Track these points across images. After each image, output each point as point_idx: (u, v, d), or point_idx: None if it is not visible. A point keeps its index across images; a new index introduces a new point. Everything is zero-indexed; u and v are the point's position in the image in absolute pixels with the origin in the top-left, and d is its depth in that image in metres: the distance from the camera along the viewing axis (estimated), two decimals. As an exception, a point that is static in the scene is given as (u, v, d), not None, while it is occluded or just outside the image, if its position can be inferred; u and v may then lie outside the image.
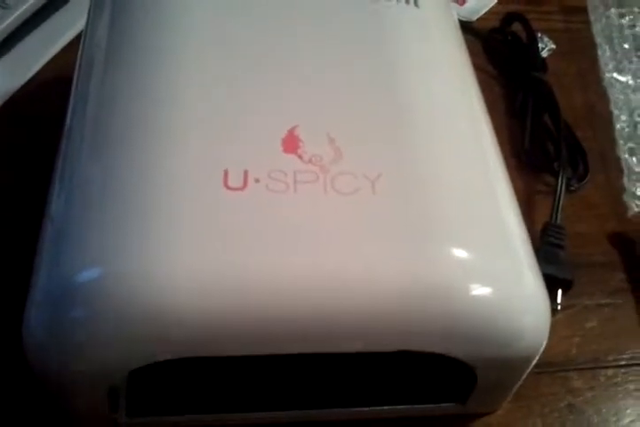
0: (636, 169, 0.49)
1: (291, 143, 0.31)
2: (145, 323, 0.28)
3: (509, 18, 0.55)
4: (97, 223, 0.29)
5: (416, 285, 0.29)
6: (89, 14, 0.41)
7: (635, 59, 0.55)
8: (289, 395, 0.35)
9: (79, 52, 0.39)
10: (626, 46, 0.55)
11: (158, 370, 0.30)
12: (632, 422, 0.38)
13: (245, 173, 0.30)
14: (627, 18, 0.56)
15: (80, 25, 0.50)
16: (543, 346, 0.32)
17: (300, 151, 0.31)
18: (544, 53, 0.55)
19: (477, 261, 0.30)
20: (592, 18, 0.57)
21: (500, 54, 0.54)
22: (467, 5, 0.58)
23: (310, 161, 0.31)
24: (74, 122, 0.35)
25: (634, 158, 0.49)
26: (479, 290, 0.30)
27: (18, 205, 0.43)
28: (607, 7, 0.57)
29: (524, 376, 0.34)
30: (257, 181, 0.30)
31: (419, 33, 0.37)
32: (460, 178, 0.32)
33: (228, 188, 0.29)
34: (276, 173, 0.30)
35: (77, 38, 0.51)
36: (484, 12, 0.57)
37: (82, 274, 0.28)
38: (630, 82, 0.53)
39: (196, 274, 0.28)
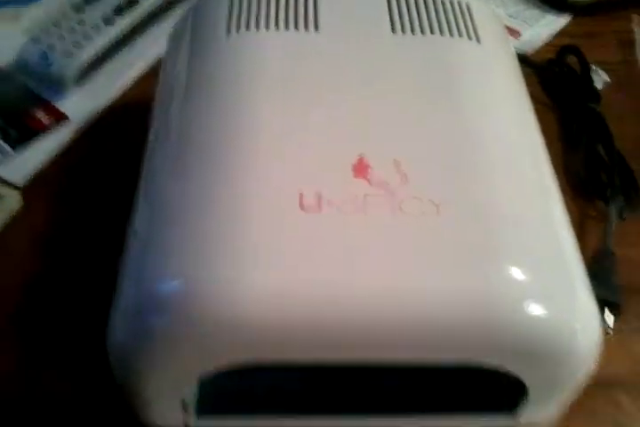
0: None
1: (361, 169, 0.34)
2: (221, 330, 0.31)
3: (565, 50, 0.57)
4: (179, 238, 0.32)
5: (475, 302, 0.31)
6: (168, 47, 0.44)
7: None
8: (346, 401, 0.38)
9: (160, 78, 0.42)
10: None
11: (228, 374, 0.32)
12: (678, 443, 0.40)
13: (319, 195, 0.32)
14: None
15: (157, 50, 0.53)
16: (593, 365, 0.34)
17: (369, 176, 0.34)
18: (598, 85, 0.57)
19: (534, 281, 0.32)
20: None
21: (556, 86, 0.56)
22: (522, 38, 0.60)
23: (379, 185, 0.33)
24: (157, 144, 0.38)
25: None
26: (535, 308, 0.32)
27: (100, 222, 0.47)
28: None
29: (575, 393, 0.36)
30: (330, 203, 0.32)
31: (481, 67, 0.40)
32: (519, 203, 0.34)
33: (304, 209, 0.32)
34: (347, 195, 0.33)
35: (157, 64, 0.55)
36: (539, 45, 0.59)
37: (164, 285, 0.31)
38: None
39: (270, 286, 0.30)
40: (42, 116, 0.51)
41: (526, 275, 0.32)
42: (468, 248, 0.32)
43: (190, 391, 0.35)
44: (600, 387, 0.40)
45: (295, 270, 0.31)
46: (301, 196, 0.33)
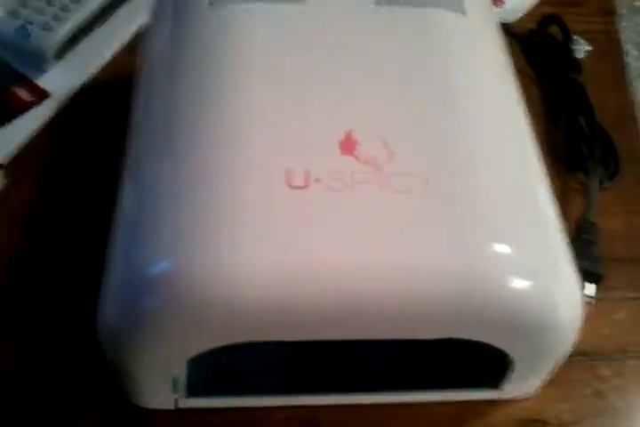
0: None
1: (348, 145, 0.34)
2: (212, 310, 0.31)
3: (546, 20, 0.57)
4: (167, 218, 0.32)
5: (460, 277, 0.32)
6: (152, 14, 0.43)
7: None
8: (335, 379, 0.38)
9: (143, 52, 0.42)
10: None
11: (216, 354, 0.33)
12: (655, 408, 0.41)
13: (307, 172, 0.32)
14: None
15: (138, 23, 0.52)
16: (576, 337, 0.35)
17: (356, 153, 0.34)
18: (580, 55, 0.57)
19: (517, 256, 0.32)
20: (621, 25, 0.58)
21: (537, 56, 0.56)
22: (505, 7, 0.59)
23: (366, 162, 0.33)
24: (141, 122, 0.38)
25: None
26: (518, 282, 0.32)
27: (85, 201, 0.46)
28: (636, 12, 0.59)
29: (558, 364, 0.37)
30: (317, 180, 0.32)
31: (465, 40, 0.40)
32: (504, 178, 0.35)
33: (292, 186, 0.32)
34: (334, 173, 0.33)
35: (138, 36, 0.54)
36: (521, 13, 0.59)
37: (153, 265, 0.31)
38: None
39: (260, 266, 0.30)
40: (23, 93, 0.50)
41: (509, 249, 0.32)
42: (453, 224, 0.32)
43: (180, 372, 0.35)
44: (580, 356, 0.42)
45: (285, 250, 0.31)
46: (289, 173, 0.32)
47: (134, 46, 0.42)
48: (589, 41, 0.58)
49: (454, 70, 0.38)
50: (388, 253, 0.31)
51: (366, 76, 0.37)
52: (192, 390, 0.37)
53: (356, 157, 0.33)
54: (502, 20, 0.58)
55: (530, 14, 0.60)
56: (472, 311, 0.32)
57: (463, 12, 0.41)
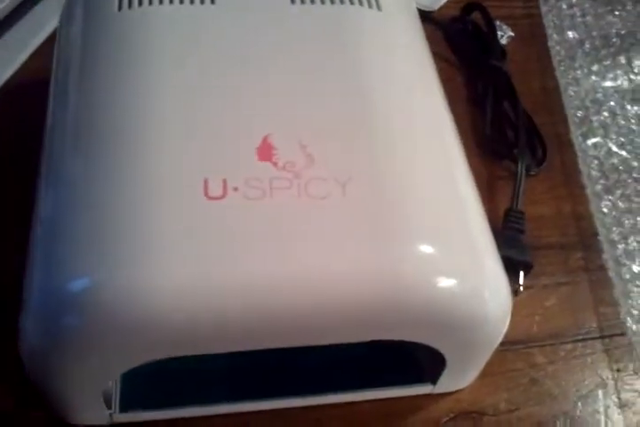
0: (589, 152, 0.52)
1: (265, 151, 0.33)
2: (133, 328, 0.30)
3: (469, 7, 0.57)
4: (83, 235, 0.31)
5: (385, 281, 0.31)
6: (60, 22, 0.42)
7: (586, 47, 0.57)
8: (267, 384, 0.38)
9: (54, 58, 0.40)
10: (576, 36, 0.57)
11: (149, 369, 0.32)
12: (590, 391, 0.41)
13: (224, 182, 0.32)
14: (575, 8, 0.58)
15: (49, 27, 0.51)
16: (505, 329, 0.35)
17: (274, 158, 0.33)
18: (503, 40, 0.57)
19: (441, 256, 0.32)
20: (543, 9, 0.59)
21: (461, 43, 0.56)
22: (427, -6, 0.59)
23: (284, 168, 0.33)
24: (54, 129, 0.37)
25: (587, 142, 0.52)
26: (444, 282, 0.32)
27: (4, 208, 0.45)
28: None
29: (490, 356, 0.37)
30: (235, 189, 0.32)
31: (381, 36, 0.39)
32: (424, 176, 0.34)
33: (209, 197, 0.31)
34: (252, 180, 0.32)
35: (48, 41, 0.52)
36: (444, 1, 0.59)
37: (71, 284, 0.30)
38: (578, 71, 0.56)
39: (180, 281, 0.30)
40: None
41: (433, 250, 0.32)
42: (373, 228, 0.32)
43: (111, 388, 0.34)
44: (513, 345, 0.42)
45: (206, 263, 0.30)
46: (206, 183, 0.32)
47: (52, 45, 0.41)
48: (512, 26, 0.58)
49: (370, 68, 0.37)
50: (310, 260, 0.31)
51: (281, 78, 0.36)
52: (126, 405, 0.37)
53: (274, 163, 0.33)
54: (425, 8, 0.58)
55: (453, 1, 0.60)
56: (400, 313, 0.32)
57: (379, 8, 0.40)
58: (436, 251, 0.32)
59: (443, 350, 0.35)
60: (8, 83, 0.52)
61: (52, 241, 0.32)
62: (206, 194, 0.31)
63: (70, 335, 0.31)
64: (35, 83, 0.43)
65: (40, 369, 0.33)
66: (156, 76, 0.36)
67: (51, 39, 0.52)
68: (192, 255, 0.30)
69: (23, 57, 0.52)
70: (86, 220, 0.32)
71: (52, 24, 0.46)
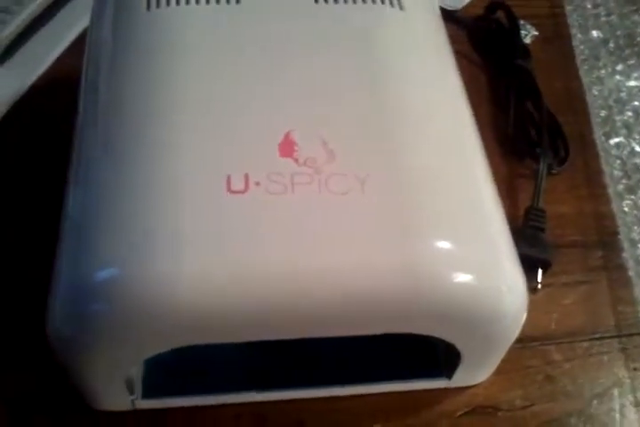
0: (612, 152, 0.52)
1: (287, 147, 0.34)
2: (157, 316, 0.31)
3: (493, 6, 0.57)
4: (112, 226, 0.32)
5: (403, 275, 0.32)
6: (91, 21, 0.43)
7: (610, 46, 0.57)
8: (287, 374, 0.39)
9: (85, 56, 0.41)
10: (600, 35, 0.57)
11: (171, 356, 0.33)
12: (606, 390, 0.42)
13: (246, 177, 0.33)
14: (600, 8, 0.58)
15: (80, 25, 0.52)
16: (521, 325, 0.36)
17: (295, 154, 0.34)
18: (527, 40, 0.58)
19: (459, 251, 0.33)
20: (568, 9, 0.59)
21: (484, 42, 0.57)
22: (452, -7, 0.60)
23: (305, 163, 0.34)
24: (84, 126, 0.38)
25: (610, 142, 0.52)
26: (461, 277, 0.33)
27: (33, 207, 0.46)
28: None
29: (505, 352, 0.38)
30: (257, 184, 0.33)
31: (404, 35, 0.40)
32: (442, 173, 0.35)
33: (232, 191, 0.32)
34: (274, 175, 0.33)
35: (80, 39, 0.54)
36: (468, 1, 0.59)
37: (99, 273, 0.31)
38: (602, 70, 0.56)
39: (204, 272, 0.31)
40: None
41: (451, 246, 0.33)
42: (392, 224, 0.32)
43: (134, 374, 0.35)
44: (531, 342, 0.43)
45: (226, 253, 0.31)
46: (229, 178, 0.33)
47: (81, 46, 0.42)
48: (536, 26, 0.58)
49: (392, 67, 0.38)
50: (330, 254, 0.32)
51: (304, 75, 0.37)
52: (148, 391, 0.38)
53: (295, 159, 0.34)
54: (449, 8, 0.58)
55: (477, 0, 0.60)
56: (417, 307, 0.33)
57: (401, 7, 0.41)
58: (454, 247, 0.33)
59: (458, 345, 0.35)
60: (40, 80, 0.53)
61: (82, 231, 0.33)
62: (229, 188, 0.32)
63: (97, 322, 0.32)
64: (66, 80, 0.44)
65: (66, 354, 0.34)
66: (182, 75, 0.36)
67: (82, 37, 0.53)
68: (215, 247, 0.31)
69: (55, 54, 0.53)
70: (116, 212, 0.33)
71: (83, 22, 0.47)
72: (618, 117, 0.54)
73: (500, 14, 0.57)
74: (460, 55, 0.43)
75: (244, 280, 0.31)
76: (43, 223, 0.37)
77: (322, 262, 0.32)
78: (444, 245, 0.33)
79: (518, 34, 0.56)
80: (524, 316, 0.35)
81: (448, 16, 0.56)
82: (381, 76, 0.37)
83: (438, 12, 0.44)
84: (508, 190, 0.49)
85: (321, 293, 0.32)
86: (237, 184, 0.32)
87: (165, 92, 0.36)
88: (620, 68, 0.57)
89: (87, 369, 0.34)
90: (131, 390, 0.37)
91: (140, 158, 0.34)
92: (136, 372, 0.37)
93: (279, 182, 0.33)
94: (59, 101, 0.43)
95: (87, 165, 0.36)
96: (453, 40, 0.43)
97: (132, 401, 0.38)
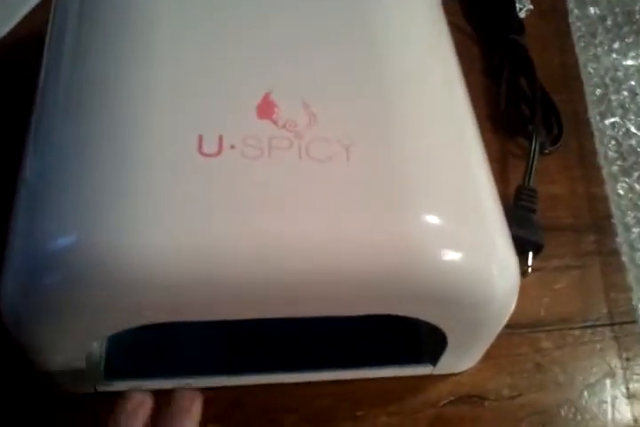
0: (607, 132, 0.49)
1: (266, 109, 0.31)
2: (116, 288, 0.28)
3: (488, -23, 0.55)
4: (70, 191, 0.29)
5: (387, 250, 0.29)
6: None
7: (608, 24, 0.55)
8: (262, 357, 0.36)
9: (51, 11, 0.38)
10: (597, 12, 0.55)
11: (136, 337, 0.30)
12: (597, 380, 0.40)
13: (220, 138, 0.30)
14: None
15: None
16: (511, 309, 0.33)
17: (274, 117, 0.31)
18: (522, 14, 0.55)
19: (449, 227, 0.30)
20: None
21: (479, 15, 0.54)
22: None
23: (285, 126, 0.31)
24: (47, 85, 0.35)
25: (605, 122, 0.50)
26: (450, 255, 0.30)
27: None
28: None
29: (494, 338, 0.35)
30: (232, 147, 0.30)
31: (396, 2, 0.37)
32: (433, 145, 0.32)
33: (203, 154, 0.29)
34: (250, 138, 0.30)
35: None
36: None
37: (56, 241, 0.28)
38: (599, 48, 0.53)
39: (168, 241, 0.28)
40: None
41: (440, 221, 0.30)
42: (377, 195, 0.30)
43: (94, 353, 0.33)
44: (519, 328, 0.40)
45: (195, 223, 0.28)
46: (201, 139, 0.30)
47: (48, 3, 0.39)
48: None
49: (383, 30, 0.35)
50: (310, 226, 0.29)
51: (287, 36, 0.34)
52: (111, 373, 0.35)
53: (274, 122, 0.31)
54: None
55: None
56: (401, 285, 0.30)
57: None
58: (443, 222, 0.30)
59: (444, 328, 0.33)
60: (5, 38, 0.50)
61: (36, 196, 0.30)
62: (200, 150, 0.29)
63: (51, 295, 0.29)
64: (33, 39, 0.41)
65: (19, 330, 0.31)
66: (153, 30, 0.33)
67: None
68: (182, 214, 0.28)
69: (22, 13, 0.50)
70: (72, 175, 0.30)
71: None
72: (614, 97, 0.52)
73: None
74: (452, 27, 0.40)
75: (213, 251, 0.28)
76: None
77: (298, 234, 0.29)
78: (432, 219, 0.30)
79: (513, 7, 0.53)
80: (515, 299, 0.33)
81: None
82: (372, 39, 0.34)
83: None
84: (498, 168, 0.47)
85: (297, 266, 0.29)
86: (210, 146, 0.30)
87: (135, 49, 0.33)
88: (616, 46, 0.54)
89: (43, 347, 0.32)
90: (92, 372, 0.34)
91: (102, 119, 0.31)
92: (99, 352, 0.35)
93: (256, 146, 0.30)
94: (24, 60, 0.40)
95: (47, 125, 0.33)
96: (446, 12, 0.40)
97: (94, 383, 0.35)
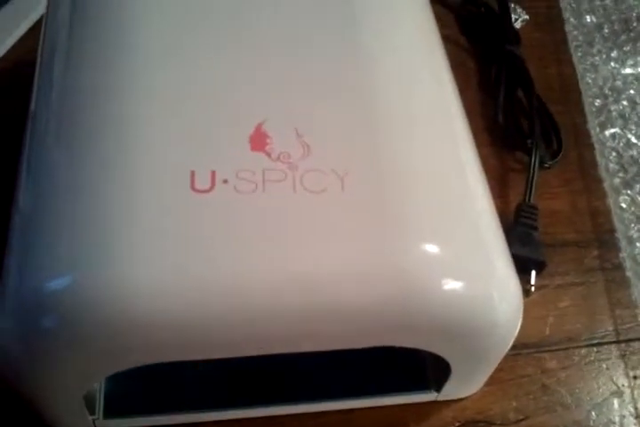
0: (607, 143, 0.49)
1: (258, 140, 0.31)
2: (113, 330, 0.28)
3: (482, -12, 0.54)
4: (64, 230, 0.29)
5: (386, 283, 0.29)
6: (48, 3, 0.39)
7: (605, 32, 0.54)
8: (264, 390, 0.35)
9: (40, 42, 0.38)
10: (594, 20, 0.54)
11: (135, 373, 0.30)
12: (605, 400, 0.39)
13: (213, 173, 0.29)
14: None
15: (40, 9, 0.48)
16: (515, 335, 0.33)
17: (268, 148, 0.30)
18: (517, 24, 0.54)
19: (448, 256, 0.30)
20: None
21: (474, 27, 0.53)
22: (438, -25, 0.56)
23: (279, 158, 0.30)
24: (37, 120, 0.34)
25: (605, 133, 0.49)
26: (451, 285, 0.29)
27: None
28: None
29: (497, 364, 0.35)
30: (225, 181, 0.29)
31: (387, 16, 0.36)
32: (429, 169, 0.32)
33: (196, 190, 0.29)
34: (244, 172, 0.30)
35: (38, 24, 0.50)
36: (455, -18, 0.56)
37: (49, 283, 0.28)
38: (596, 57, 0.53)
39: (166, 281, 0.27)
40: None
41: (440, 250, 0.29)
42: (374, 227, 0.29)
43: (93, 392, 0.32)
44: (524, 348, 0.40)
45: (191, 261, 0.28)
46: (193, 175, 0.29)
47: (37, 32, 0.39)
48: (527, 9, 0.55)
49: (373, 52, 0.34)
50: (308, 260, 0.28)
51: (278, 61, 0.33)
52: (110, 410, 0.35)
53: (268, 154, 0.30)
54: (436, -10, 0.55)
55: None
56: (401, 318, 0.29)
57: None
58: (442, 251, 0.30)
59: (447, 357, 0.32)
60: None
61: (30, 236, 0.30)
62: (192, 186, 0.29)
63: (47, 338, 0.28)
64: (22, 67, 0.40)
65: (16, 373, 0.30)
66: (144, 62, 0.33)
67: (39, 24, 0.49)
68: (177, 254, 0.28)
69: (10, 42, 0.50)
70: (66, 213, 0.29)
71: (40, 9, 0.43)
72: (613, 107, 0.51)
73: (489, -4, 0.54)
74: (447, 40, 0.39)
75: (208, 291, 0.28)
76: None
77: (296, 270, 0.28)
78: (430, 249, 0.29)
79: (509, 18, 0.53)
80: (519, 325, 0.32)
81: (434, -1, 0.53)
82: (362, 63, 0.34)
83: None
84: (497, 184, 0.46)
85: (296, 303, 0.28)
86: (202, 182, 0.29)
87: (126, 80, 0.32)
88: (614, 54, 0.54)
89: (40, 389, 0.31)
90: (91, 410, 0.34)
91: (95, 155, 0.30)
92: (97, 389, 0.34)
93: (249, 180, 0.29)
94: (12, 88, 0.40)
95: (37, 160, 0.32)
96: (441, 24, 0.40)
97: (94, 421, 0.35)
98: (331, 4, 0.36)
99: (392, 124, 0.32)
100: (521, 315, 0.32)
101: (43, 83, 0.35)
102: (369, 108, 0.32)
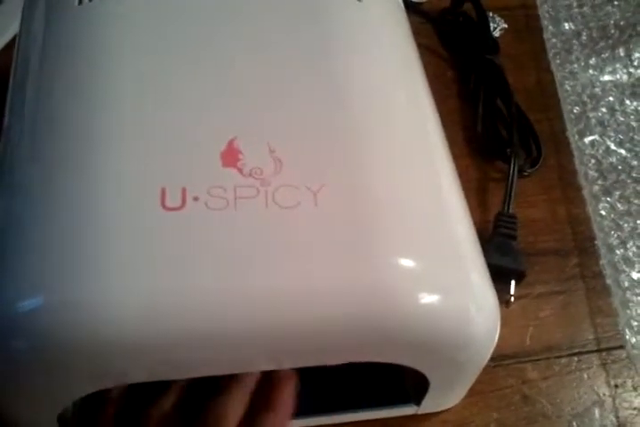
0: (586, 151, 0.49)
1: (230, 156, 0.30)
2: (88, 351, 0.27)
3: (459, -3, 0.54)
4: (33, 250, 0.28)
5: (361, 298, 0.29)
6: (23, 18, 0.39)
7: (583, 39, 0.54)
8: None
9: (14, 59, 0.38)
10: (572, 27, 0.54)
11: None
12: (586, 410, 0.39)
13: (183, 191, 0.29)
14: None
15: (14, 28, 0.48)
16: (492, 347, 0.32)
17: (239, 164, 0.30)
18: (496, 33, 0.54)
19: (424, 270, 0.30)
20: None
21: (452, 36, 0.53)
22: (416, -15, 0.56)
23: (250, 174, 0.30)
24: (10, 133, 0.34)
25: (584, 140, 0.49)
26: (426, 299, 0.29)
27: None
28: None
29: (476, 376, 0.34)
30: (196, 199, 0.29)
31: (361, 30, 0.36)
32: (403, 185, 0.32)
33: (166, 208, 0.29)
34: (215, 189, 0.29)
35: (12, 42, 0.50)
36: (433, -8, 0.56)
37: (20, 304, 0.28)
38: (575, 64, 0.53)
39: (136, 303, 0.27)
40: None
41: (415, 264, 0.29)
42: (348, 241, 0.29)
43: (66, 413, 0.32)
44: (504, 359, 0.40)
45: (162, 280, 0.27)
46: (163, 192, 0.29)
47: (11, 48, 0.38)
48: (505, 18, 0.55)
49: (347, 64, 0.34)
50: (281, 277, 0.28)
51: (250, 76, 0.33)
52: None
53: (240, 169, 0.30)
54: (414, 0, 0.55)
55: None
56: (377, 333, 0.29)
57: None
58: (416, 265, 0.29)
59: (425, 371, 0.32)
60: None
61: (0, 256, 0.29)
62: (163, 204, 0.29)
63: (18, 360, 0.28)
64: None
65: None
66: (115, 76, 0.33)
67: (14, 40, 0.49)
68: (148, 272, 0.27)
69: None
70: (37, 233, 0.29)
71: (15, 26, 0.43)
72: (592, 114, 0.51)
73: (467, 6, 0.54)
74: (425, 49, 0.40)
75: (183, 308, 0.27)
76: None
77: (269, 287, 0.28)
78: (404, 263, 0.29)
79: (487, 27, 0.53)
80: (496, 337, 0.32)
81: (412, 8, 0.53)
82: (335, 76, 0.34)
83: (400, 3, 0.41)
84: (476, 194, 0.46)
85: (267, 320, 0.28)
86: (173, 199, 0.29)
87: (97, 96, 0.32)
88: (593, 61, 0.54)
89: (12, 411, 0.31)
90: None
91: (66, 172, 0.30)
92: (71, 409, 0.34)
93: (221, 196, 0.29)
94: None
95: (9, 177, 0.32)
96: (419, 34, 0.40)
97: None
98: (304, 18, 0.36)
99: (365, 138, 0.32)
100: (498, 327, 0.32)
101: (15, 97, 0.35)
102: (341, 122, 0.32)
